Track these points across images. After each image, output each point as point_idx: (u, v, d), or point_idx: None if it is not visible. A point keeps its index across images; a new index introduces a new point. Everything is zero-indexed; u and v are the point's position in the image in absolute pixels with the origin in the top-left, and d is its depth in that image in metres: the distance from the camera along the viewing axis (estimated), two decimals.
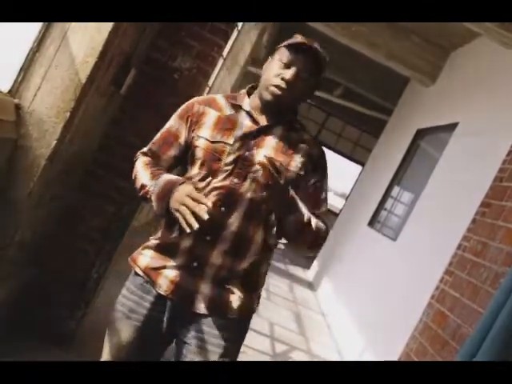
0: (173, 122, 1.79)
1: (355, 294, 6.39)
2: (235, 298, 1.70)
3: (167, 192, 1.61)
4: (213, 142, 1.69)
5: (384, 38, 6.77)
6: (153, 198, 1.66)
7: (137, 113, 2.98)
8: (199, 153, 1.70)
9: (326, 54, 1.75)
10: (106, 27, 2.36)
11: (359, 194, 9.35)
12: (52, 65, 2.35)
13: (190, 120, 1.75)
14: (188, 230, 1.50)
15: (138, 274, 1.74)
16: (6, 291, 2.67)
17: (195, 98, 1.82)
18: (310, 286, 8.71)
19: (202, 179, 1.69)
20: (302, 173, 1.72)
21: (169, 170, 1.77)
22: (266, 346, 4.72)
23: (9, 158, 2.34)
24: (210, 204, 1.52)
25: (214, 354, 1.67)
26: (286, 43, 1.74)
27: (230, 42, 6.63)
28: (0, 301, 2.62)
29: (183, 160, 1.78)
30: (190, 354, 1.68)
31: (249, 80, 10.75)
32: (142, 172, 1.74)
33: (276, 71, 1.70)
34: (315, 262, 9.42)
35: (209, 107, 1.76)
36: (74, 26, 2.33)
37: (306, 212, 1.67)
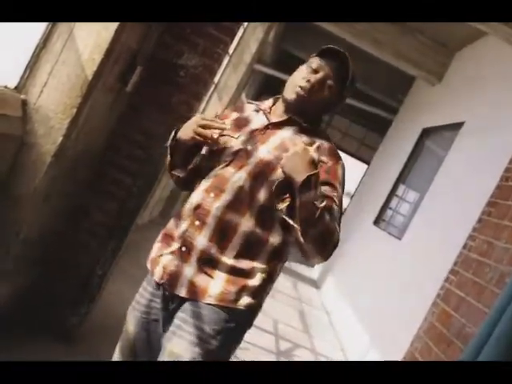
0: None
1: (360, 293, 6.38)
2: (213, 284, 1.66)
3: (175, 133, 1.77)
4: (222, 136, 1.77)
5: (390, 37, 6.76)
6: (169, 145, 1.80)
7: (143, 110, 2.98)
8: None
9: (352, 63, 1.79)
10: (113, 24, 2.36)
11: (364, 192, 9.34)
12: (58, 61, 2.35)
13: None
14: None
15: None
16: (11, 287, 2.68)
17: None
18: (315, 284, 8.71)
19: (211, 168, 1.76)
20: None
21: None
22: (270, 344, 4.72)
23: (14, 154, 2.34)
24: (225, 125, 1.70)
25: (182, 342, 1.63)
26: (317, 52, 1.80)
27: (236, 39, 6.62)
28: (4, 297, 2.63)
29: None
30: (164, 341, 1.67)
31: (255, 78, 10.73)
32: None
33: (304, 75, 1.76)
34: None
35: (234, 111, 1.89)
36: (81, 23, 2.33)
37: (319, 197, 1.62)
